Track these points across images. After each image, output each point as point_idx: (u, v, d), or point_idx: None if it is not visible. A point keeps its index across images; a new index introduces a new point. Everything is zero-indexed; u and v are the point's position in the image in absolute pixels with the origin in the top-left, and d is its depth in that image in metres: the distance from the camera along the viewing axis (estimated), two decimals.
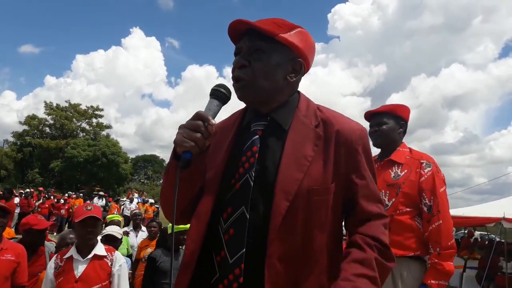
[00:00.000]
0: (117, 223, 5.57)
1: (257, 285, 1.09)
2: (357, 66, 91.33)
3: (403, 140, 2.59)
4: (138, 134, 78.46)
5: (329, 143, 1.20)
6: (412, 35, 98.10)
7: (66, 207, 15.79)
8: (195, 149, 1.11)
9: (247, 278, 1.10)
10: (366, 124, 2.58)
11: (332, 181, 1.17)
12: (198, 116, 1.13)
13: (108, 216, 7.04)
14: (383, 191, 2.40)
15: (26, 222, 3.39)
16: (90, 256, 2.62)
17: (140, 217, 6.62)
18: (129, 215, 12.74)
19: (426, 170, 2.38)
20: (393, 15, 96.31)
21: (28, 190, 20.01)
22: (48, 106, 42.63)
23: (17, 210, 14.41)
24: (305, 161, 1.16)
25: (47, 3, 77.93)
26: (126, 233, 5.85)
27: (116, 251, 2.84)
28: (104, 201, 17.11)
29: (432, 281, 2.24)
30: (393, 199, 2.38)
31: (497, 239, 10.17)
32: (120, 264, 2.72)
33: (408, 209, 2.37)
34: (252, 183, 1.17)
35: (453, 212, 9.94)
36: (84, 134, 44.10)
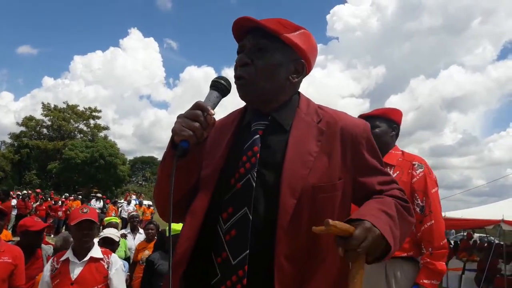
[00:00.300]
0: (114, 225, 5.54)
1: (263, 286, 1.07)
2: (356, 68, 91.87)
3: (396, 143, 2.62)
4: (136, 136, 78.74)
5: (333, 139, 1.20)
6: (411, 37, 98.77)
7: (64, 209, 15.74)
8: (193, 139, 1.09)
9: (251, 280, 1.09)
10: None
11: (339, 177, 1.17)
12: (197, 106, 1.11)
13: (105, 218, 7.02)
14: None
15: (23, 224, 3.40)
16: (86, 258, 2.62)
17: (137, 219, 6.59)
18: (126, 217, 12.70)
19: (418, 171, 2.41)
20: (392, 16, 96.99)
21: (25, 191, 19.92)
22: (46, 107, 42.60)
23: (14, 212, 14.37)
24: (309, 156, 1.15)
25: (45, 4, 78.10)
26: (124, 236, 5.82)
27: (113, 254, 2.83)
28: (101, 203, 16.99)
29: (425, 281, 2.26)
30: None
31: (496, 241, 10.20)
32: (117, 267, 2.70)
33: None
34: (254, 184, 1.15)
35: (452, 214, 10.07)
36: (82, 135, 44.09)
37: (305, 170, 1.13)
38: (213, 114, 1.13)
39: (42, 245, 3.59)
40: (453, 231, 18.36)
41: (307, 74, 1.32)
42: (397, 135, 2.61)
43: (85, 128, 44.66)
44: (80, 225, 2.60)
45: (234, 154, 1.22)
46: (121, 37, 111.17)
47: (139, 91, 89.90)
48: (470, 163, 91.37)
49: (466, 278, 9.79)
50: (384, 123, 2.55)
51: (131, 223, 6.54)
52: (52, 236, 13.01)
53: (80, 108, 44.19)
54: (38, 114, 43.01)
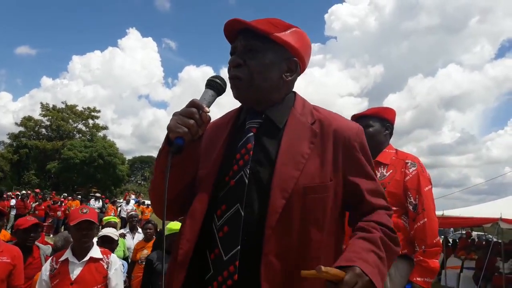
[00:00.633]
0: (113, 225, 5.56)
1: (252, 283, 1.08)
2: (354, 67, 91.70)
3: (394, 142, 2.64)
4: (135, 135, 78.57)
5: (326, 141, 1.20)
6: (409, 36, 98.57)
7: (63, 208, 15.72)
8: (188, 136, 1.11)
9: (242, 276, 1.10)
10: None
11: (331, 179, 1.17)
12: (192, 103, 1.13)
13: (104, 218, 7.02)
14: None
15: (16, 224, 3.44)
16: (86, 259, 2.62)
17: (136, 219, 6.59)
18: (126, 216, 12.69)
19: (411, 170, 2.43)
20: (390, 15, 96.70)
21: (24, 191, 19.89)
22: (45, 108, 42.49)
23: (13, 212, 14.37)
24: (301, 158, 1.16)
25: (43, 5, 77.88)
26: (123, 235, 5.82)
27: (112, 254, 2.83)
28: (100, 203, 16.99)
29: (418, 278, 2.28)
30: None
31: (494, 240, 10.23)
32: (116, 267, 2.71)
33: (394, 208, 2.36)
34: (246, 181, 1.16)
35: (450, 212, 10.09)
36: (81, 135, 43.93)
37: (296, 172, 1.14)
38: (208, 112, 1.14)
39: (40, 245, 3.59)
40: (451, 229, 18.41)
41: (301, 72, 1.32)
42: (390, 134, 2.63)
43: (84, 128, 44.57)
44: (79, 226, 2.60)
45: (229, 153, 1.23)
46: (119, 37, 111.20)
47: (137, 91, 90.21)
48: (468, 162, 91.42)
49: (465, 276, 9.81)
50: (377, 123, 2.57)
51: (130, 222, 6.54)
52: (51, 236, 13.01)
53: (79, 108, 44.14)
54: (36, 114, 42.97)
